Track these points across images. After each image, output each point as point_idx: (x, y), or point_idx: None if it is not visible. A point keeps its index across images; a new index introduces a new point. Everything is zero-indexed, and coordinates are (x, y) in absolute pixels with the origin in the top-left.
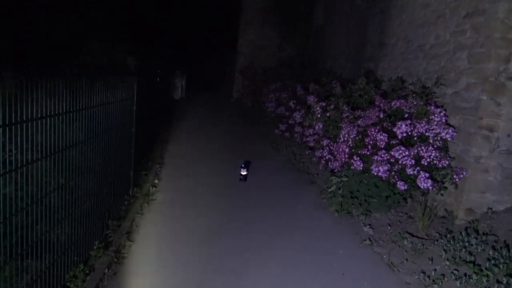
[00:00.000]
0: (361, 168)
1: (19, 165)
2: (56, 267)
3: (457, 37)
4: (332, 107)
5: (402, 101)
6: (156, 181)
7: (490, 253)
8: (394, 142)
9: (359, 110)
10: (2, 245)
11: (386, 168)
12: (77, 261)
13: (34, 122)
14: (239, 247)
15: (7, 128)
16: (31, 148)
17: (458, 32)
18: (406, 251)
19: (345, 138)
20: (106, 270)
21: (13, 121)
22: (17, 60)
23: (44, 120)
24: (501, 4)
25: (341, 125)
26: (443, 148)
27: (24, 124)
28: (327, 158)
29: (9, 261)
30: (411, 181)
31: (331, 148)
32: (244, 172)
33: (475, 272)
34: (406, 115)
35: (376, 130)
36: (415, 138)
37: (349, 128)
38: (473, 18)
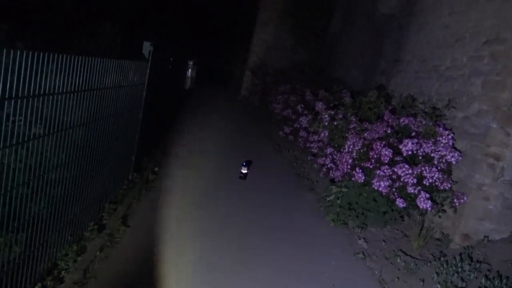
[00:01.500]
0: (362, 181)
1: (24, 139)
2: (49, 244)
3: (474, 62)
4: (340, 116)
5: (411, 119)
6: (157, 168)
7: (483, 281)
8: (398, 159)
9: (367, 123)
10: None
11: (387, 183)
12: (70, 241)
13: (42, 98)
14: (232, 246)
15: (14, 100)
16: (37, 123)
17: (476, 58)
18: (399, 269)
19: (350, 149)
20: (98, 252)
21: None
22: (30, 34)
23: (53, 96)
24: None
25: (347, 135)
26: (447, 171)
27: (31, 99)
28: (329, 166)
29: (4, 234)
30: (410, 199)
31: (334, 157)
32: (244, 171)
33: None
34: (414, 134)
35: (382, 145)
36: (420, 158)
37: (355, 140)
38: (493, 45)
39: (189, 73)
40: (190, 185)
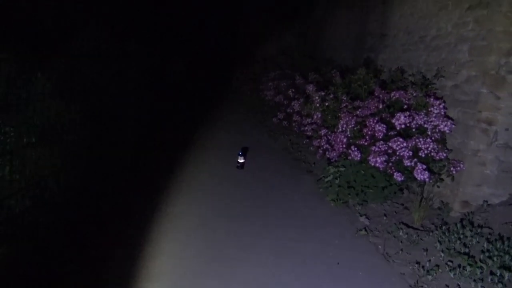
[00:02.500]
0: (359, 159)
1: None
2: None
3: (459, 29)
4: (331, 96)
5: (402, 92)
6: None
7: (485, 245)
8: (392, 133)
9: (358, 101)
10: None
11: (384, 159)
12: None
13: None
14: (235, 234)
15: None
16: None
17: (460, 25)
18: (401, 241)
19: (343, 128)
20: None
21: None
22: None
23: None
24: None
25: (339, 115)
26: (441, 141)
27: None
28: (324, 147)
29: None
30: (408, 172)
31: (329, 138)
32: (241, 160)
33: (469, 264)
34: (405, 107)
35: (375, 121)
36: (414, 130)
37: (347, 118)
38: (476, 10)
39: (177, 68)
40: (186, 178)
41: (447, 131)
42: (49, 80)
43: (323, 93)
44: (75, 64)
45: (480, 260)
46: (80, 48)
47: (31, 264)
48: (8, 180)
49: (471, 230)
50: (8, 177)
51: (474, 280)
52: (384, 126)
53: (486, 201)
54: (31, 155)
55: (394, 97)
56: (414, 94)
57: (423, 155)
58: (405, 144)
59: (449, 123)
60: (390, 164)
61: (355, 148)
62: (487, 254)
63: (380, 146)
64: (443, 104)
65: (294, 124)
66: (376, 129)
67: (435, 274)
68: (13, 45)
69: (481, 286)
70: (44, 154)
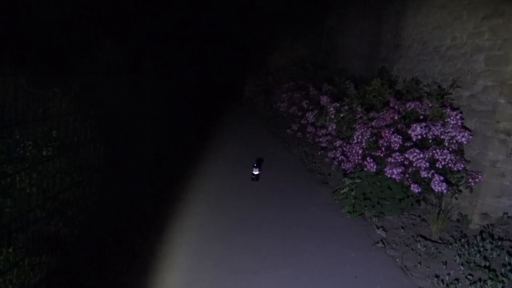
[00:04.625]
0: (374, 170)
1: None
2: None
3: (474, 39)
4: (345, 108)
5: (417, 103)
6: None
7: (506, 258)
8: (408, 144)
9: (373, 112)
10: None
11: (400, 170)
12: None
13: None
14: (251, 247)
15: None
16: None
17: (476, 34)
18: (420, 254)
19: (359, 139)
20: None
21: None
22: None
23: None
24: None
25: (354, 126)
26: (459, 152)
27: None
28: (339, 159)
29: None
30: (425, 184)
31: (344, 149)
32: (256, 172)
33: (490, 278)
34: (421, 117)
35: (390, 132)
36: (430, 141)
37: (363, 129)
38: (492, 20)
39: (190, 81)
40: (202, 192)
41: (465, 142)
42: (65, 95)
43: (337, 104)
44: (91, 80)
45: (502, 274)
46: (96, 65)
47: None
48: (27, 193)
49: (491, 243)
50: (28, 190)
51: None
52: (400, 137)
53: (506, 213)
54: (49, 168)
55: (409, 108)
56: (430, 105)
57: (440, 166)
58: (421, 155)
59: (466, 134)
60: (407, 175)
61: (371, 160)
62: (508, 267)
63: (396, 157)
64: (460, 114)
65: (308, 136)
66: (392, 140)
67: None
68: (32, 61)
69: None
70: (61, 168)
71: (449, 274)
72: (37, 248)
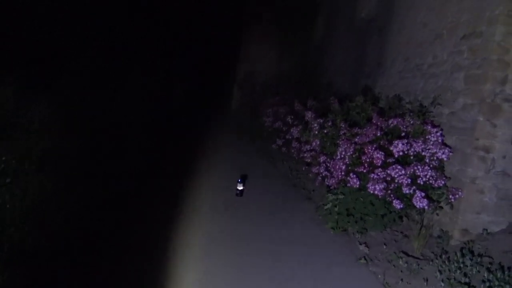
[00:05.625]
0: (358, 186)
1: None
2: None
3: (454, 57)
4: (329, 124)
5: (399, 119)
6: None
7: (485, 275)
8: (390, 161)
9: (357, 128)
10: None
11: (382, 186)
12: None
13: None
14: (233, 264)
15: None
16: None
17: (456, 53)
18: (402, 271)
19: (342, 155)
20: None
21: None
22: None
23: None
24: (497, 28)
25: (338, 142)
26: (439, 168)
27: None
28: (323, 174)
29: None
30: (407, 200)
31: (328, 164)
32: (240, 187)
33: None
34: (403, 134)
35: (373, 148)
36: (412, 157)
37: (346, 145)
38: (470, 39)
39: (177, 94)
40: (183, 206)
41: (445, 159)
42: (50, 107)
43: (321, 120)
44: (78, 91)
45: None
46: (83, 77)
47: None
48: (8, 208)
49: (471, 259)
50: (8, 205)
51: None
52: (383, 153)
53: (486, 229)
54: (32, 181)
55: (392, 125)
56: (412, 122)
57: (422, 182)
58: (403, 172)
59: (446, 151)
60: (389, 191)
61: (354, 175)
62: (487, 284)
63: (379, 174)
64: (440, 131)
65: (293, 151)
66: (374, 156)
67: None
68: (16, 70)
69: None
70: (44, 180)
71: None
72: None
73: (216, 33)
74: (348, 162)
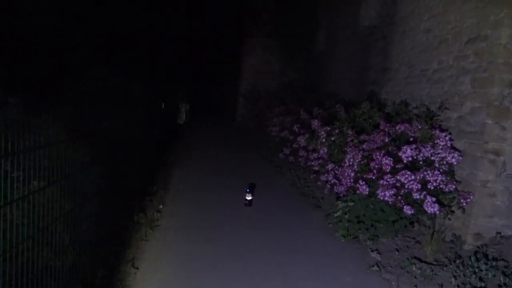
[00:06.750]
0: (367, 193)
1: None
2: None
3: (459, 61)
4: (336, 131)
5: (407, 125)
6: (161, 206)
7: (501, 279)
8: (399, 166)
9: (364, 134)
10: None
11: (392, 192)
12: None
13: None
14: (244, 274)
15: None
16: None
17: (461, 57)
18: (415, 277)
19: (350, 163)
20: None
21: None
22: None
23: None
24: (503, 30)
25: (346, 149)
26: (449, 172)
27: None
28: (332, 182)
29: None
30: (417, 205)
31: (336, 172)
32: (249, 197)
33: None
34: (411, 139)
35: (382, 154)
36: (421, 162)
37: (354, 152)
38: (476, 43)
39: (182, 108)
40: (194, 219)
41: (455, 163)
42: (55, 123)
43: (328, 128)
44: (82, 108)
45: None
46: (86, 95)
47: None
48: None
49: (486, 263)
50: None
51: None
52: (391, 159)
53: (499, 233)
54: (40, 199)
55: (399, 130)
56: (419, 127)
57: (432, 188)
58: (413, 177)
59: (456, 155)
60: (399, 197)
61: (363, 182)
62: None
63: (388, 180)
64: (449, 136)
65: (300, 160)
66: (383, 162)
67: None
68: (22, 89)
69: None
70: (53, 198)
71: None
72: None
73: (220, 47)
74: (356, 169)
